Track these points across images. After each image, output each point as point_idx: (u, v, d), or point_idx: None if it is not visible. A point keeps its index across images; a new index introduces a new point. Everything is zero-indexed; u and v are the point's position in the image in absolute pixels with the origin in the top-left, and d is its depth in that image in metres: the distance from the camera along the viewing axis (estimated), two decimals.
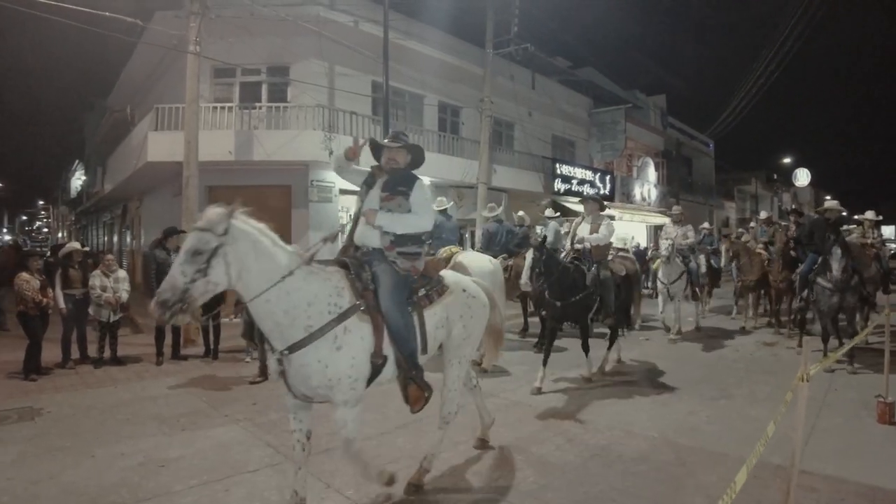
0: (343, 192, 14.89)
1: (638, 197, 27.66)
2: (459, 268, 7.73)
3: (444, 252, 7.85)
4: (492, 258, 8.19)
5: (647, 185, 28.99)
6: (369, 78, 15.72)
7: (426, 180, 4.55)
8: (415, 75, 17.04)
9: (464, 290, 4.19)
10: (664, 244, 10.32)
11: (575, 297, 6.73)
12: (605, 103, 26.38)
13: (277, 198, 14.27)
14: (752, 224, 12.49)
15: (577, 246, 7.47)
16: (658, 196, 29.62)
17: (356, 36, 14.63)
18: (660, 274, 10.61)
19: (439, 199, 9.06)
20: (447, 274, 4.32)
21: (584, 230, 7.35)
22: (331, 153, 13.73)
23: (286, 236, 11.47)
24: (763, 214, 13.10)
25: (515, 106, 19.76)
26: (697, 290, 11.20)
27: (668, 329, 10.46)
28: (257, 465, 4.51)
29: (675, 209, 11.66)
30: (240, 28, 12.86)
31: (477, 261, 7.58)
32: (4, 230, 65.85)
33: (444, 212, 8.91)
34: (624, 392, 6.69)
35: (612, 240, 7.48)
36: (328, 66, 15.09)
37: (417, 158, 4.13)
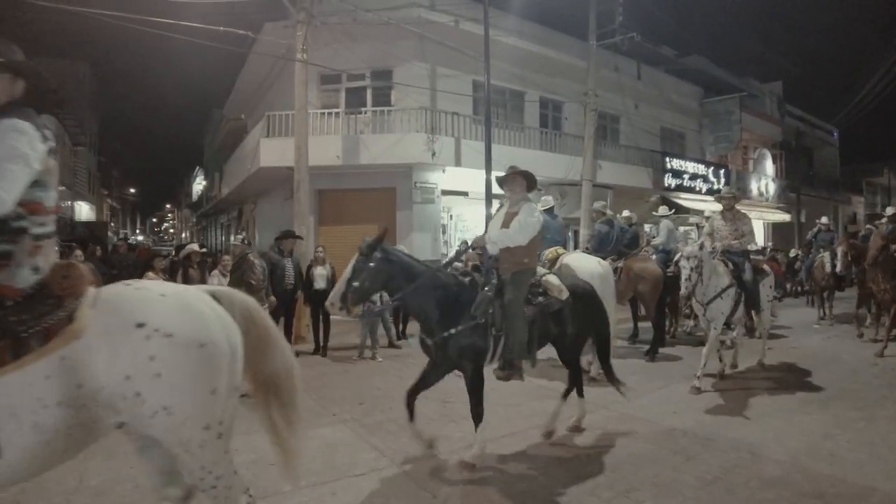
0: (445, 192, 14.98)
1: (755, 192, 25.90)
2: (565, 269, 7.47)
3: (549, 253, 7.59)
4: (601, 260, 7.80)
5: (765, 179, 27.13)
6: (470, 77, 15.70)
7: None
8: (515, 72, 16.81)
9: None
10: (692, 247, 7.03)
11: (449, 332, 4.47)
12: (717, 92, 24.88)
13: (382, 200, 14.58)
14: (883, 220, 10.55)
15: (472, 251, 6.62)
16: (776, 191, 27.66)
17: (457, 35, 14.65)
18: (684, 287, 6.99)
19: (545, 198, 8.78)
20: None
21: (495, 224, 5.07)
22: (434, 154, 13.84)
23: (390, 237, 11.59)
24: (889, 210, 11.00)
25: (621, 98, 19.06)
26: (755, 315, 7.85)
27: (724, 364, 7.65)
28: (363, 469, 4.51)
29: (725, 191, 8.10)
30: (344, 34, 13.21)
31: (584, 263, 7.26)
32: (137, 231, 71.76)
33: (549, 211, 8.60)
34: (746, 407, 6.15)
35: (527, 238, 4.78)
36: (430, 67, 15.22)
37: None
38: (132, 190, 64.76)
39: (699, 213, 19.08)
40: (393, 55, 14.80)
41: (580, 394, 5.40)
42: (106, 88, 41.30)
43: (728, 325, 7.54)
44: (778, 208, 27.25)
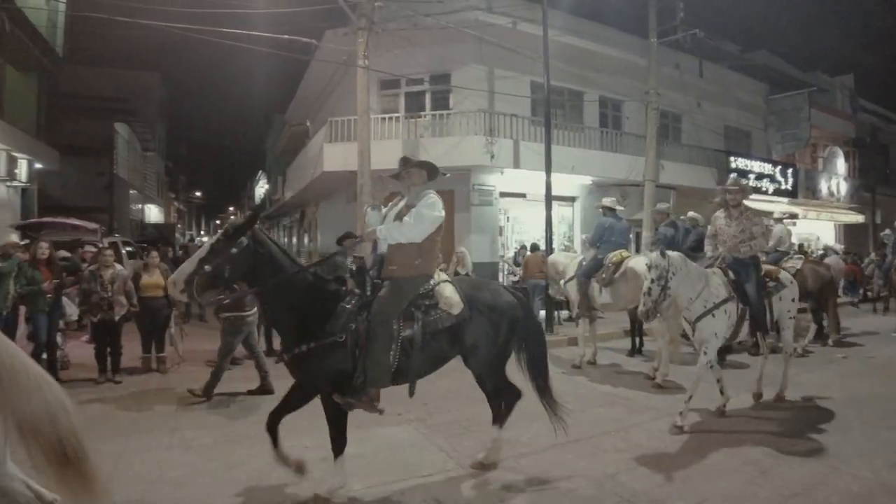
0: (503, 195, 14.97)
1: (825, 192, 24.77)
2: (631, 274, 7.37)
3: (613, 256, 7.50)
4: None
5: (836, 178, 25.89)
6: (528, 79, 15.65)
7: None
8: (574, 71, 16.63)
9: None
10: (655, 254, 5.66)
11: (301, 348, 3.84)
12: (783, 88, 23.94)
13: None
14: None
15: (355, 252, 5.92)
16: (849, 190, 26.37)
17: (514, 37, 14.64)
18: (642, 303, 5.68)
19: (607, 198, 8.65)
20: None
21: (389, 217, 4.40)
22: (492, 157, 13.86)
23: (448, 239, 11.70)
24: None
25: (683, 96, 18.57)
26: (760, 335, 6.36)
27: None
28: (430, 471, 4.56)
29: (731, 182, 6.49)
30: (403, 40, 13.37)
31: None
32: (202, 232, 74.41)
33: (613, 212, 8.48)
34: (822, 418, 5.88)
35: (423, 233, 4.17)
36: (487, 70, 15.25)
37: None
38: (198, 193, 67.00)
39: (767, 214, 18.43)
40: (451, 59, 14.90)
41: (497, 422, 4.57)
42: (173, 96, 42.94)
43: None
44: (850, 209, 25.98)
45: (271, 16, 11.92)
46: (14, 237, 10.41)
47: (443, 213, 4.27)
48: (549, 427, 4.61)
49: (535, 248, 12.52)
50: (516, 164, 14.48)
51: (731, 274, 6.00)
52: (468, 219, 14.63)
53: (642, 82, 15.81)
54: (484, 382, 4.45)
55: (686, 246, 9.22)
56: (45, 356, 7.24)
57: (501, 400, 4.54)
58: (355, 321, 3.88)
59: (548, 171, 11.70)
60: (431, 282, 4.21)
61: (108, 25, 12.00)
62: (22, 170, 16.90)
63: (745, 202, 6.32)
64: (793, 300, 6.50)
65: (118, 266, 8.01)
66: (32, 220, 14.47)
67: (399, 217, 4.21)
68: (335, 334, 3.81)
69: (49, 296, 7.38)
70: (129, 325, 7.98)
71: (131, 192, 29.93)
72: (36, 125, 18.93)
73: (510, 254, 15.12)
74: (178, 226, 49.99)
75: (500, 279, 13.97)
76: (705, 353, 5.65)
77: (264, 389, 6.88)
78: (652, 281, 5.44)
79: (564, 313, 11.91)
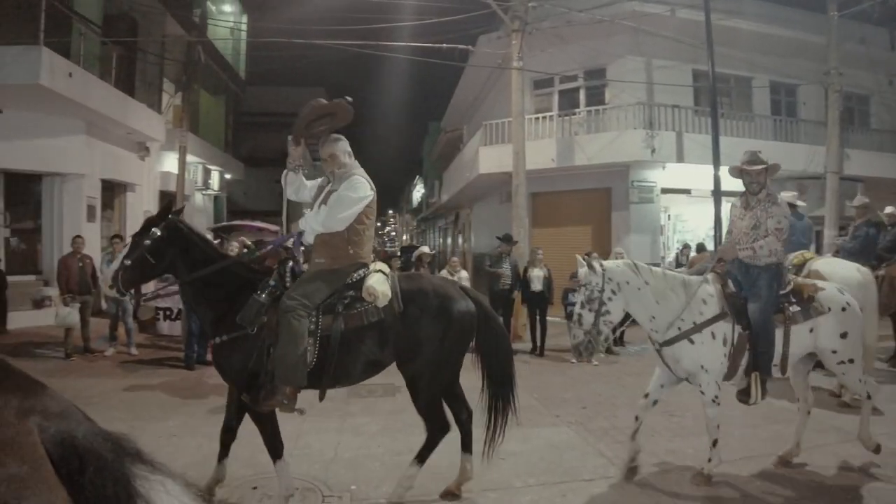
0: (665, 191, 14.27)
1: None
2: (816, 277, 6.64)
3: (794, 258, 6.76)
4: (860, 266, 6.62)
5: None
6: (689, 67, 14.75)
7: None
8: (740, 56, 15.30)
9: None
10: (583, 269, 4.30)
11: (216, 340, 3.70)
12: None
13: (597, 201, 14.38)
14: None
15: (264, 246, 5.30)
16: None
17: (673, 25, 13.84)
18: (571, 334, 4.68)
19: (789, 194, 7.82)
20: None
21: (316, 205, 3.97)
22: (653, 151, 13.28)
23: (605, 239, 11.49)
24: None
25: (870, 75, 16.43)
26: (755, 378, 4.27)
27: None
28: (592, 475, 4.46)
29: (746, 158, 4.58)
30: (556, 38, 13.26)
31: (839, 269, 6.20)
32: None
33: (793, 209, 7.62)
34: None
35: (345, 220, 3.75)
36: (645, 61, 14.62)
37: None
38: None
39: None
40: (606, 52, 14.48)
41: (465, 447, 4.05)
42: None
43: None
44: None
45: (427, 27, 12.42)
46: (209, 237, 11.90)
47: (368, 194, 3.81)
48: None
49: (701, 248, 11.77)
50: (679, 159, 13.72)
51: (730, 284, 4.40)
52: (626, 217, 14.11)
53: (820, 63, 14.24)
54: (417, 397, 3.85)
55: (881, 247, 8.15)
56: None
57: (433, 425, 3.86)
58: (267, 314, 3.58)
59: (716, 164, 10.96)
60: (363, 271, 3.79)
61: (280, 48, 13.23)
62: (214, 180, 19.50)
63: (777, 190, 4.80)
64: (844, 335, 4.36)
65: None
66: (224, 223, 16.35)
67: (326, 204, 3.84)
68: (245, 327, 3.56)
69: None
70: None
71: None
72: (224, 141, 21.63)
73: (672, 255, 14.36)
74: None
75: None
76: (703, 392, 4.21)
77: None
78: (581, 305, 4.18)
79: None
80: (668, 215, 15.29)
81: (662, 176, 14.27)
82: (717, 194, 11.00)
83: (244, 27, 21.32)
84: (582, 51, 14.34)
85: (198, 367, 8.12)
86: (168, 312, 9.91)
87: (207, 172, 18.57)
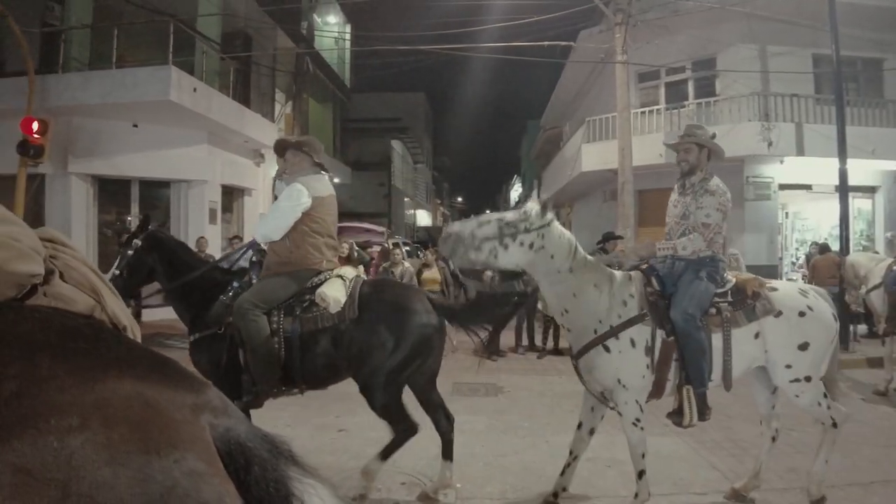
0: (783, 187, 13.36)
1: None
2: None
3: None
4: None
5: None
6: (809, 52, 13.72)
7: None
8: (867, 35, 13.99)
9: None
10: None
11: (190, 339, 3.88)
12: None
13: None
14: None
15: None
16: None
17: (789, 7, 12.86)
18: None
19: None
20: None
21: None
22: (770, 144, 12.49)
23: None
24: None
25: None
26: (687, 394, 3.72)
27: None
28: (703, 489, 4.26)
29: (686, 131, 4.14)
30: (660, 28, 12.75)
31: None
32: None
33: None
34: None
35: (280, 229, 3.81)
36: (759, 48, 13.76)
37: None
38: (459, 199, 72.26)
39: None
40: (716, 41, 13.75)
41: (445, 455, 3.96)
42: (437, 112, 47.18)
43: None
44: None
45: (525, 25, 12.33)
46: None
47: (304, 202, 3.77)
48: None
49: (825, 248, 10.89)
50: (799, 152, 12.78)
51: (654, 282, 3.68)
52: (741, 216, 13.29)
53: None
54: (370, 403, 3.77)
55: None
56: None
57: (397, 427, 3.81)
58: (221, 310, 3.75)
59: (842, 157, 10.10)
60: (326, 275, 3.83)
61: (383, 55, 13.61)
62: None
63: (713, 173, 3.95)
64: (803, 346, 3.58)
65: (405, 263, 9.27)
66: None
67: None
68: (212, 326, 3.72)
69: None
70: None
71: (405, 199, 33.58)
72: (332, 146, 22.59)
73: (792, 255, 13.44)
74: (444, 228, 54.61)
75: None
76: (623, 415, 3.66)
77: None
78: (498, 222, 3.50)
79: (863, 328, 10.19)
80: (787, 213, 14.36)
81: (780, 171, 13.35)
82: (844, 190, 10.12)
83: (348, 36, 22.15)
84: (689, 41, 13.73)
85: None
86: None
87: None
